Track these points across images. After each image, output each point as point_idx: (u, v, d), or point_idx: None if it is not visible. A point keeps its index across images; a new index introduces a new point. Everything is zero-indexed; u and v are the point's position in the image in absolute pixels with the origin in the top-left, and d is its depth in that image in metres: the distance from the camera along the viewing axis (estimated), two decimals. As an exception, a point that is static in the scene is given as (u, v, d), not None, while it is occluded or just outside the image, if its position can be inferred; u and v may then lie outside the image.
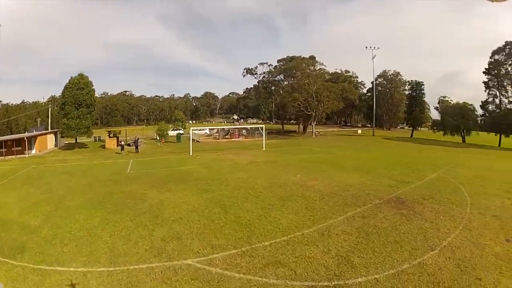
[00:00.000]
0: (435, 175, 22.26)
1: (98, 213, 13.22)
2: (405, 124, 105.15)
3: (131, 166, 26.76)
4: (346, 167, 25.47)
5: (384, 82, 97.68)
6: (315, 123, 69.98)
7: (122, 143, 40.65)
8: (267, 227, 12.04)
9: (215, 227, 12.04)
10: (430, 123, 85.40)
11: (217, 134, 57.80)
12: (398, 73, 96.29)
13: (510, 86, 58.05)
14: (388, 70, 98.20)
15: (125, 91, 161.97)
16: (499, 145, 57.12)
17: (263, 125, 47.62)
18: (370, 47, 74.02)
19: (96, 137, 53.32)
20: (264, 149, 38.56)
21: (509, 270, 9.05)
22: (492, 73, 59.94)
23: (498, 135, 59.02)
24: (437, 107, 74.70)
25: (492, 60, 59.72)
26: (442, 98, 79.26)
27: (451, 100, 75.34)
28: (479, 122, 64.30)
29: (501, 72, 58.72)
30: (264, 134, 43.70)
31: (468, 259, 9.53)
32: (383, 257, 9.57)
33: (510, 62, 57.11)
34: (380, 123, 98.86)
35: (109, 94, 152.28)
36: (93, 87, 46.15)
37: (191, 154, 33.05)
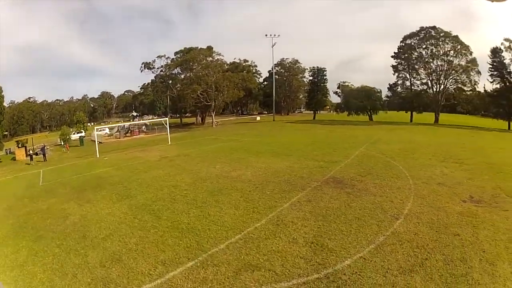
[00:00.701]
0: (359, 152, 26.02)
1: (24, 243, 12.54)
2: (302, 108, 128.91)
3: (42, 177, 27.01)
4: (263, 152, 27.74)
5: (282, 70, 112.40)
6: (214, 113, 79.41)
7: (31, 152, 42.80)
8: (212, 227, 11.63)
9: (155, 238, 11.23)
10: (329, 107, 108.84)
11: (118, 133, 63.30)
12: (297, 60, 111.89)
13: (422, 68, 73.35)
14: (286, 58, 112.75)
15: (29, 98, 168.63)
16: (411, 121, 73.09)
17: (167, 118, 52.40)
18: (271, 35, 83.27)
19: (7, 149, 55.38)
20: (170, 143, 42.38)
21: (479, 223, 11.17)
22: (402, 57, 74.95)
23: (409, 112, 75.83)
24: (337, 91, 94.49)
25: (403, 44, 74.22)
26: (342, 83, 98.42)
27: (351, 85, 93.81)
28: (382, 102, 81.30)
29: (413, 56, 73.31)
30: (168, 128, 47.82)
31: (437, 221, 11.45)
32: (354, 235, 10.45)
33: (424, 46, 71.55)
34: (278, 109, 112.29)
35: (16, 103, 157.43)
36: (2, 93, 46.22)
37: (98, 156, 35.24)
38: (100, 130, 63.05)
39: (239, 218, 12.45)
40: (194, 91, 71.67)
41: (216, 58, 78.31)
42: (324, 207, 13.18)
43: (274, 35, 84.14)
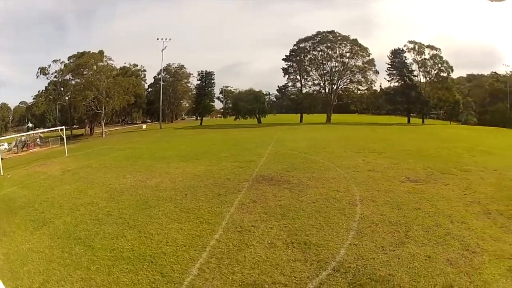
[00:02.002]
0: (269, 150, 27.10)
1: None
2: (183, 115, 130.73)
3: None
4: (168, 157, 26.84)
5: (167, 76, 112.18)
6: (103, 122, 78.57)
7: None
8: (166, 250, 10.05)
9: (102, 279, 8.81)
10: (215, 112, 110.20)
11: (16, 148, 58.52)
12: (183, 66, 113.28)
13: (315, 70, 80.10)
14: (172, 63, 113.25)
15: None
16: (301, 121, 78.98)
17: (63, 128, 50.27)
18: (162, 39, 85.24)
19: None
20: (67, 155, 39.19)
21: (431, 197, 13.18)
22: (294, 60, 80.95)
23: (299, 114, 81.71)
24: (219, 96, 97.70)
25: (296, 47, 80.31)
26: (225, 88, 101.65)
27: (234, 90, 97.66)
28: (271, 104, 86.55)
29: (306, 58, 79.89)
30: (65, 139, 45.94)
31: (392, 201, 12.98)
32: (328, 226, 10.85)
33: (319, 49, 78.13)
34: (162, 116, 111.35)
35: None
36: None
37: (1, 174, 31.04)
38: (1, 145, 58.77)
39: (190, 233, 11.28)
40: (85, 97, 71.34)
41: (106, 63, 78.96)
42: (275, 205, 13.16)
43: (165, 39, 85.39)
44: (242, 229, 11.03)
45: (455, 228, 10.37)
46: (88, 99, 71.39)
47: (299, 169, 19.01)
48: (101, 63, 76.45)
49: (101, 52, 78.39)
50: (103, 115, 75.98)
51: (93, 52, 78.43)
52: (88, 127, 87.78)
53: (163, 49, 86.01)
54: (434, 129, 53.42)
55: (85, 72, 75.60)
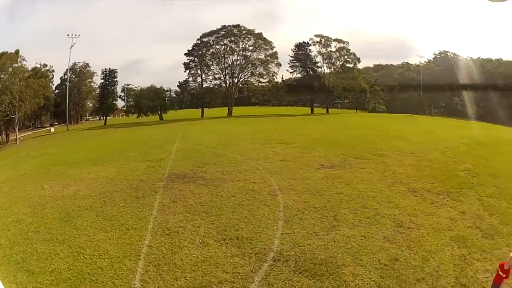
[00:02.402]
0: (176, 147, 26.18)
1: None
2: (88, 116, 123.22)
3: None
4: (80, 162, 24.64)
5: (73, 76, 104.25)
6: (17, 127, 70.92)
7: None
8: (101, 264, 9.27)
9: None
10: (117, 110, 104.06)
11: None
12: (87, 64, 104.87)
13: (216, 64, 78.42)
14: (78, 62, 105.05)
15: None
16: (202, 116, 77.18)
17: None
18: (72, 35, 77.49)
19: None
20: None
21: (349, 181, 14.08)
22: (195, 54, 78.45)
23: (200, 109, 79.89)
24: (121, 95, 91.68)
25: (199, 42, 77.90)
26: (126, 86, 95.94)
27: (135, 87, 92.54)
28: (171, 100, 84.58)
29: (208, 52, 77.97)
30: None
31: (314, 187, 13.71)
32: (256, 218, 10.98)
33: (222, 43, 76.50)
34: (69, 118, 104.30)
35: None
36: None
37: None
38: None
39: (119, 242, 10.63)
40: (1, 103, 64.11)
41: (20, 64, 70.30)
42: (196, 203, 12.89)
43: (75, 35, 77.78)
44: (170, 231, 10.68)
45: (383, 208, 11.20)
46: (4, 104, 64.94)
47: (210, 164, 18.76)
48: (16, 65, 69.58)
49: (17, 52, 70.97)
50: (16, 120, 69.75)
51: (10, 53, 71.21)
52: (4, 134, 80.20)
53: (71, 46, 79.51)
54: (341, 118, 56.69)
55: (1, 76, 68.84)
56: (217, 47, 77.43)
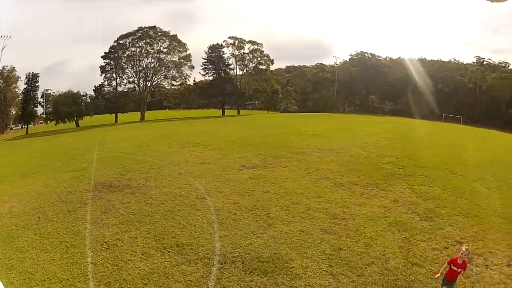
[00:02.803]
0: (97, 155, 24.95)
1: None
2: (11, 124, 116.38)
3: None
4: (10, 175, 21.66)
5: (0, 81, 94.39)
6: None
7: None
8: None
9: None
10: (37, 117, 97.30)
11: None
12: (14, 68, 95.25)
13: (130, 68, 75.67)
14: (6, 66, 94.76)
15: None
16: (116, 121, 74.42)
17: None
18: (3, 36, 70.55)
19: None
20: None
21: (275, 179, 14.66)
22: (112, 57, 74.57)
23: (114, 114, 76.66)
24: (40, 101, 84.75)
25: (116, 44, 74.04)
26: (45, 92, 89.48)
27: (53, 92, 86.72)
28: (87, 106, 79.34)
29: (124, 55, 74.53)
30: None
31: (241, 188, 13.99)
32: (191, 224, 10.89)
33: (138, 45, 73.81)
34: None
35: None
36: None
37: None
38: None
39: (63, 262, 9.76)
40: None
41: None
42: (127, 213, 12.41)
43: (5, 36, 70.96)
44: (109, 246, 10.14)
45: (313, 203, 11.78)
46: None
47: (133, 171, 18.17)
48: None
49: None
50: None
51: None
52: None
53: (2, 48, 72.47)
54: (254, 118, 57.96)
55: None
56: (133, 50, 75.46)
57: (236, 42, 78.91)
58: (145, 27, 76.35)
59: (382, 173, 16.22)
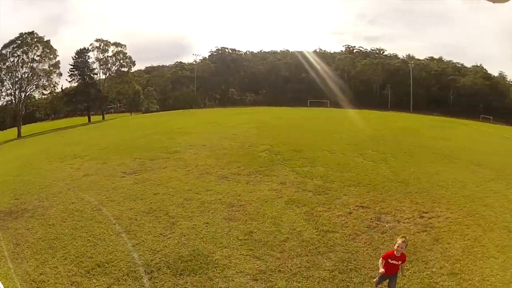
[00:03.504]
0: None
1: None
2: None
3: None
4: None
5: None
6: None
7: None
8: None
9: None
10: None
11: None
12: None
13: (8, 79, 66.50)
14: None
15: None
16: None
17: None
18: None
19: None
20: None
21: (159, 182, 14.75)
22: None
23: None
24: None
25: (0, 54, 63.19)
26: None
27: None
28: None
29: (4, 66, 64.88)
30: None
31: (129, 194, 13.78)
32: (99, 238, 10.50)
33: (16, 54, 64.95)
34: None
35: None
36: None
37: None
38: None
39: None
40: None
41: None
42: (36, 240, 11.32)
43: None
44: (37, 283, 9.16)
45: (205, 196, 12.34)
46: None
47: (25, 194, 16.33)
48: None
49: None
50: None
51: None
52: None
53: None
54: (119, 122, 55.72)
55: None
56: (12, 60, 66.64)
57: (102, 45, 75.22)
58: (25, 33, 67.78)
59: (260, 161, 17.48)
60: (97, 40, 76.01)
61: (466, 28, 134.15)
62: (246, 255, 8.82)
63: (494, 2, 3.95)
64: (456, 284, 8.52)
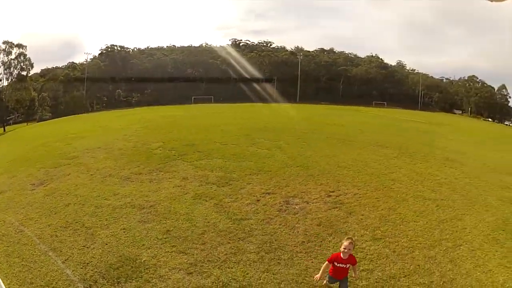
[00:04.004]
0: None
1: None
2: None
3: None
4: None
5: None
6: None
7: None
8: None
9: None
10: None
11: None
12: None
13: None
14: None
15: None
16: None
17: None
18: None
19: None
20: None
21: (67, 191, 13.68)
22: None
23: None
24: None
25: None
26: None
27: None
28: None
29: None
30: None
31: (46, 207, 12.64)
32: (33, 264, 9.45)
33: None
34: None
35: None
36: None
37: None
38: None
39: None
40: None
41: None
42: None
43: None
44: None
45: (114, 201, 11.98)
46: None
47: None
48: None
49: None
50: None
51: None
52: None
53: None
54: (19, 133, 50.36)
55: None
56: None
57: (7, 47, 67.07)
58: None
59: (157, 158, 17.38)
60: (4, 42, 67.55)
61: (363, 21, 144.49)
62: (171, 251, 8.82)
63: (492, 1, 4.16)
64: (383, 247, 9.38)
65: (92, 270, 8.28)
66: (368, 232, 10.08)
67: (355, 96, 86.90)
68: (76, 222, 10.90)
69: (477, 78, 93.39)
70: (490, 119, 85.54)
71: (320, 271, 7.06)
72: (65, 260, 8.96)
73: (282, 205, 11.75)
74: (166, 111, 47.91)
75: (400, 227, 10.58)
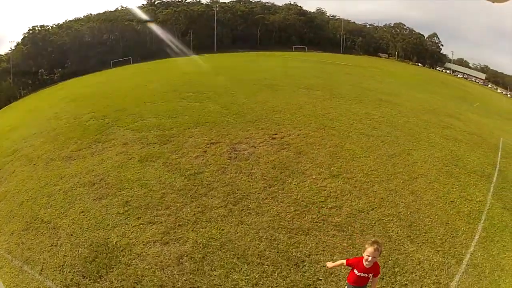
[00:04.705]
0: None
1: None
2: None
3: None
4: None
5: None
6: None
7: None
8: None
9: None
10: None
11: None
12: None
13: None
14: None
15: None
16: None
17: None
18: None
19: None
20: None
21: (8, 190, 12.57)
22: None
23: None
24: None
25: None
26: None
27: None
28: None
29: None
30: None
31: None
32: None
33: None
34: None
35: None
36: None
37: None
38: None
39: None
40: None
41: None
42: None
43: None
44: None
45: (63, 184, 11.25)
46: None
47: None
48: None
49: None
50: None
51: None
52: None
53: None
54: None
55: None
56: None
57: None
58: None
59: (92, 129, 16.29)
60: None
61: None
62: (138, 224, 8.41)
63: (493, 2, 4.10)
64: (343, 183, 9.88)
65: (70, 272, 7.61)
66: (324, 170, 10.54)
67: (273, 42, 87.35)
68: (34, 220, 9.90)
69: (404, 25, 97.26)
70: (420, 64, 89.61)
71: (334, 263, 6.17)
72: (41, 270, 8.12)
73: (230, 153, 11.83)
74: (88, 80, 45.04)
75: (352, 163, 11.18)
